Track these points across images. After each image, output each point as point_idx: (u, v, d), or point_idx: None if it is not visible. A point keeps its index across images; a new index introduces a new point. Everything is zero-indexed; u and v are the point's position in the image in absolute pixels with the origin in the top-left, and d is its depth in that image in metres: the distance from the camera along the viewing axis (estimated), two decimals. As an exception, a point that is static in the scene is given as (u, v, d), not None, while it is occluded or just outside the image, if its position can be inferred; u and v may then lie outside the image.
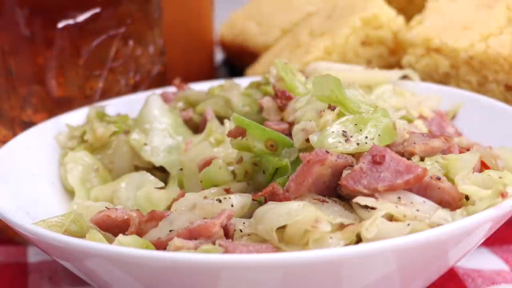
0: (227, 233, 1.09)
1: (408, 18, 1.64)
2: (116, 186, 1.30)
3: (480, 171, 1.16)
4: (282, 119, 1.28)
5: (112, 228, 1.16)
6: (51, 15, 1.40)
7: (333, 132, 1.14)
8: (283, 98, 1.28)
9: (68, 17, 1.41)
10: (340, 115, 1.16)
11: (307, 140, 1.15)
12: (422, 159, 1.16)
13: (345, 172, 1.10)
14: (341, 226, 1.06)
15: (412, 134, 1.19)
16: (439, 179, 1.10)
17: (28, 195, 1.28)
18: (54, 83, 1.42)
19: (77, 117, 1.42)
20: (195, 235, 1.07)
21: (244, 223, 1.11)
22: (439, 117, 1.39)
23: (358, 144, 1.13)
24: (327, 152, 1.10)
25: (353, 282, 1.05)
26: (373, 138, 1.14)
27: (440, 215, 1.07)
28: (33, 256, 1.38)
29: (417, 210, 1.07)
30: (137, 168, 1.36)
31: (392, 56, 1.59)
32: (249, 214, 1.13)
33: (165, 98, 1.43)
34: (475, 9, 1.51)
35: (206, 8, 1.79)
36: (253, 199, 1.14)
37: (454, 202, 1.10)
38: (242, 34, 1.83)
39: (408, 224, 1.05)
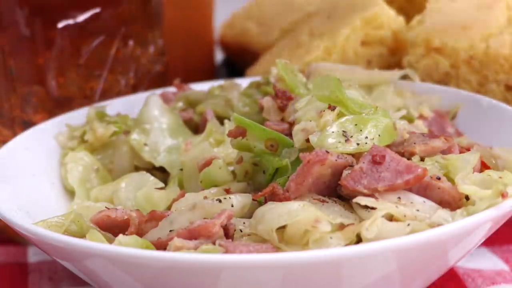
0: (227, 233, 1.09)
1: (408, 18, 1.64)
2: (116, 187, 1.30)
3: (480, 171, 1.16)
4: (282, 119, 1.28)
5: (112, 228, 1.16)
6: (51, 15, 1.40)
7: (333, 132, 1.14)
8: (283, 98, 1.28)
9: (68, 17, 1.41)
10: (340, 115, 1.16)
11: (307, 140, 1.15)
12: (422, 159, 1.16)
13: (345, 172, 1.10)
14: (341, 226, 1.06)
15: (412, 134, 1.19)
16: (439, 179, 1.10)
17: (28, 195, 1.28)
18: (54, 83, 1.42)
19: (77, 117, 1.42)
20: (195, 235, 1.07)
21: (244, 223, 1.11)
22: (439, 117, 1.39)
23: (358, 144, 1.13)
24: (327, 152, 1.10)
25: (353, 282, 1.05)
26: (373, 138, 1.14)
27: (440, 215, 1.07)
28: (33, 256, 1.38)
29: (417, 210, 1.07)
30: (137, 168, 1.36)
31: (392, 56, 1.59)
32: (249, 214, 1.13)
33: (165, 98, 1.43)
34: (475, 9, 1.51)
35: (206, 8, 1.80)
36: (253, 199, 1.14)
37: (454, 202, 1.10)
38: (242, 34, 1.83)
39: (408, 224, 1.05)
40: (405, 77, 1.49)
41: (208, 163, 1.24)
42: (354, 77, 1.41)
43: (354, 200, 1.08)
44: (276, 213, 1.07)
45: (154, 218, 1.14)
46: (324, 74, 1.32)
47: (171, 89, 1.49)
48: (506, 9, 1.49)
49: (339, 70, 1.43)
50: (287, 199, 1.10)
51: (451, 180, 1.12)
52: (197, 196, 1.18)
